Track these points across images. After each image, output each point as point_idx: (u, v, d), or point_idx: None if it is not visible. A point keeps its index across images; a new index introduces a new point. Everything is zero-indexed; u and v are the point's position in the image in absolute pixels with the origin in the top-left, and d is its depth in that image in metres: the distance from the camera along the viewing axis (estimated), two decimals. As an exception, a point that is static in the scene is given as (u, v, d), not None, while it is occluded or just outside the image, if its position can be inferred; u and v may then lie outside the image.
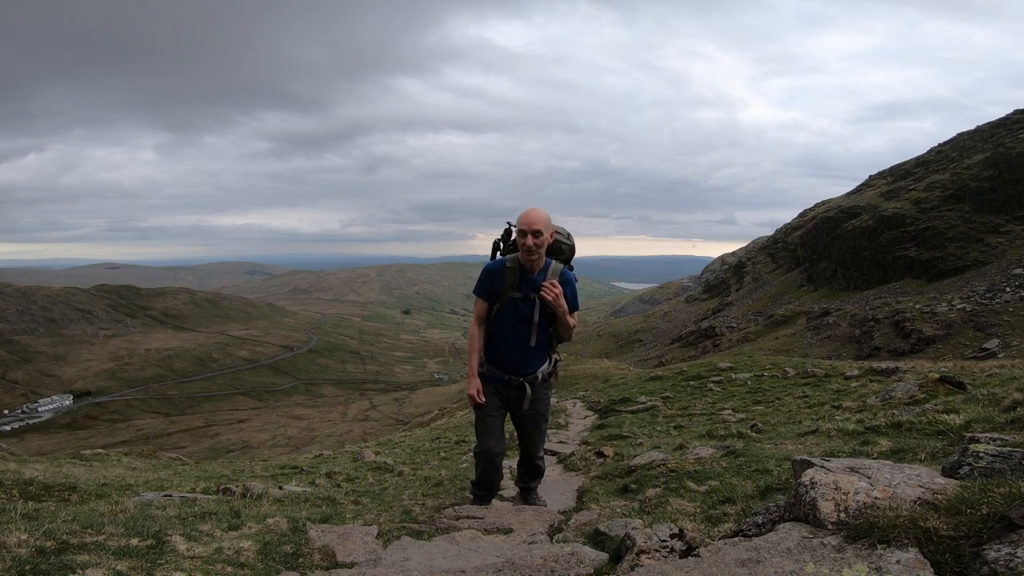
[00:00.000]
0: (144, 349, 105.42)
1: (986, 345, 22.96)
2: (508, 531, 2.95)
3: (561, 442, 7.81)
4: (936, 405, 5.07)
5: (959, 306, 27.95)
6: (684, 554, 1.91)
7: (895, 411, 5.16)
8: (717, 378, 12.18)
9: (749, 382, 11.19)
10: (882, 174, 72.39)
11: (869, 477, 1.77)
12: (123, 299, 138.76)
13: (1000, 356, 19.98)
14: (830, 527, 1.62)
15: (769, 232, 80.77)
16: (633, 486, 4.20)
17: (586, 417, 10.63)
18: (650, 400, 10.80)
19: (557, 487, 4.97)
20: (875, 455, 3.55)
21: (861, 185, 73.97)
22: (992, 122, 60.16)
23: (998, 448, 1.99)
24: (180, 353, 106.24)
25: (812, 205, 77.64)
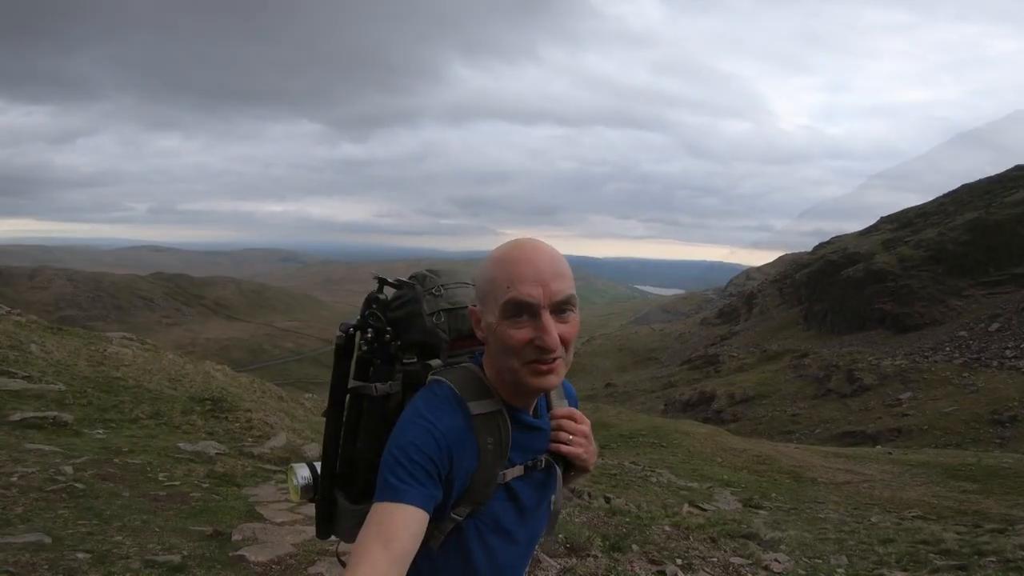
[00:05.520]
0: (204, 338, 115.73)
1: (900, 396, 29.70)
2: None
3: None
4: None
5: (898, 361, 34.57)
6: None
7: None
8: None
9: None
10: (890, 219, 77.76)
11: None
12: (179, 287, 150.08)
13: (904, 405, 26.57)
14: None
15: (814, 241, 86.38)
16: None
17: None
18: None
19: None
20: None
21: (870, 228, 79.50)
22: (991, 177, 65.02)
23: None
24: (236, 343, 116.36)
25: (829, 239, 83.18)
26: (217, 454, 6.55)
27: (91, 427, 6.78)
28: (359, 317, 1.32)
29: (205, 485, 5.40)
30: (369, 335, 1.29)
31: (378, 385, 1.28)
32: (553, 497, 1.32)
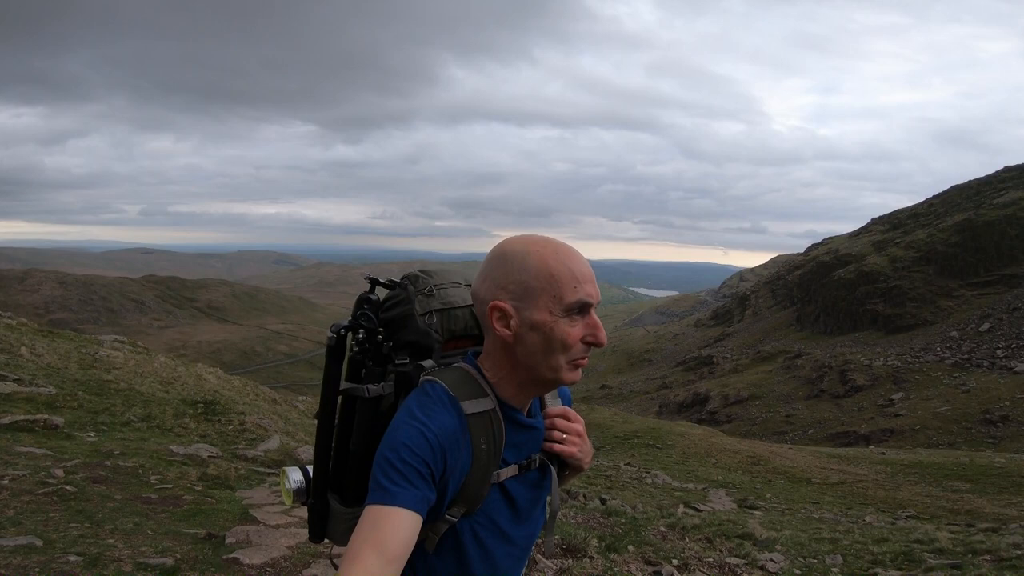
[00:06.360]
0: (196, 341, 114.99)
1: (893, 396, 29.89)
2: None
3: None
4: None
5: (890, 362, 34.80)
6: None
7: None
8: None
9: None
10: (881, 220, 78.39)
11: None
12: (171, 290, 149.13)
13: (897, 405, 26.75)
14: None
15: (807, 243, 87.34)
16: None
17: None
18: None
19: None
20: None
21: (862, 229, 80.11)
22: (981, 178, 65.62)
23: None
24: (228, 346, 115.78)
25: (821, 240, 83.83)
26: (210, 457, 6.50)
27: (82, 430, 6.71)
28: (350, 318, 1.29)
29: (198, 488, 5.36)
30: (361, 336, 1.27)
31: (370, 386, 1.25)
32: (549, 497, 1.31)
